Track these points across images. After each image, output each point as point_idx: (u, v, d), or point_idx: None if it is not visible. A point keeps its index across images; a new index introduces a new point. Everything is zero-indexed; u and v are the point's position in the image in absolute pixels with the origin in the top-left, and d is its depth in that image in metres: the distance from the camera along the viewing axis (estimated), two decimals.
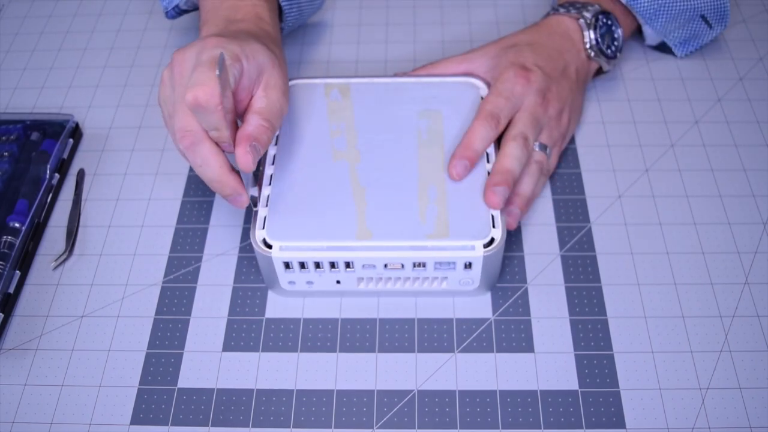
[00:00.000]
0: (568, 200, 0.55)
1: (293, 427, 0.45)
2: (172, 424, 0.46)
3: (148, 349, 0.49)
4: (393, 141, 0.51)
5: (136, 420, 0.46)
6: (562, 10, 0.58)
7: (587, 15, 0.57)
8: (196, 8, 0.63)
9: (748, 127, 0.60)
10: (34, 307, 0.51)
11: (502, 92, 0.51)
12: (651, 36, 0.63)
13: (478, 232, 0.46)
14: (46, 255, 0.54)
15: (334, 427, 0.45)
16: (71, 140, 0.60)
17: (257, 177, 0.50)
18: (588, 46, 0.57)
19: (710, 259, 0.52)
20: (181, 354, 0.49)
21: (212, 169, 0.45)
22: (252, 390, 0.47)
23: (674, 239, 0.53)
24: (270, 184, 0.49)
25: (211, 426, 0.46)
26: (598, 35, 0.57)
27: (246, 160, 0.44)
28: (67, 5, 0.74)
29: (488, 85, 0.54)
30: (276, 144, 0.51)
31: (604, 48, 0.58)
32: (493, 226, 0.46)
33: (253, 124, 0.45)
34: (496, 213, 0.47)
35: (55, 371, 0.48)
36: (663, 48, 0.65)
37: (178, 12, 0.63)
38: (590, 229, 0.54)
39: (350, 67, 0.66)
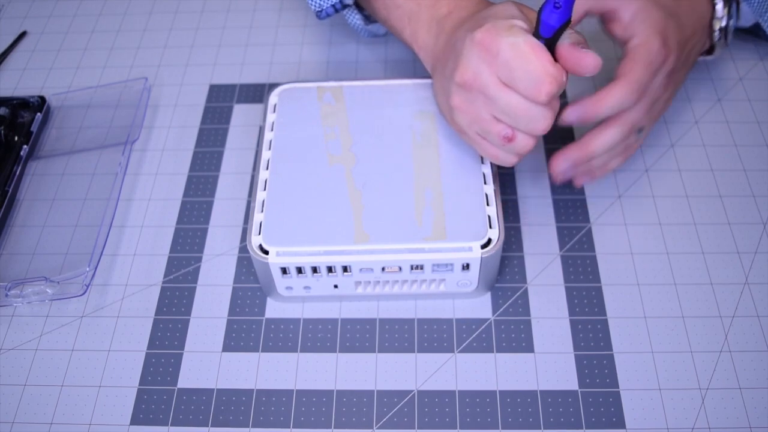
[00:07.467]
0: (568, 200, 0.55)
1: (293, 427, 0.45)
2: (172, 425, 0.46)
3: (148, 349, 0.49)
4: (388, 143, 0.51)
5: (136, 420, 0.46)
6: None
7: None
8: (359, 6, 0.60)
9: (748, 127, 0.59)
10: (33, 307, 0.51)
11: (651, 64, 0.48)
12: (747, 14, 0.59)
13: (475, 234, 0.46)
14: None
15: (334, 427, 0.45)
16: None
17: None
18: (718, 29, 0.55)
19: (710, 259, 0.52)
20: (181, 354, 0.49)
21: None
22: (252, 390, 0.47)
23: (674, 239, 0.53)
24: (265, 189, 0.49)
25: (211, 426, 0.45)
26: (729, 22, 0.55)
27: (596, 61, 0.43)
28: (66, 5, 0.74)
29: (609, 19, 0.51)
30: (270, 149, 0.51)
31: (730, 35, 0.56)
32: (490, 227, 0.46)
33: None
34: (493, 213, 0.47)
35: (55, 371, 0.48)
36: (754, 31, 0.62)
37: (337, 9, 0.58)
38: (590, 229, 0.54)
39: (350, 68, 0.66)
